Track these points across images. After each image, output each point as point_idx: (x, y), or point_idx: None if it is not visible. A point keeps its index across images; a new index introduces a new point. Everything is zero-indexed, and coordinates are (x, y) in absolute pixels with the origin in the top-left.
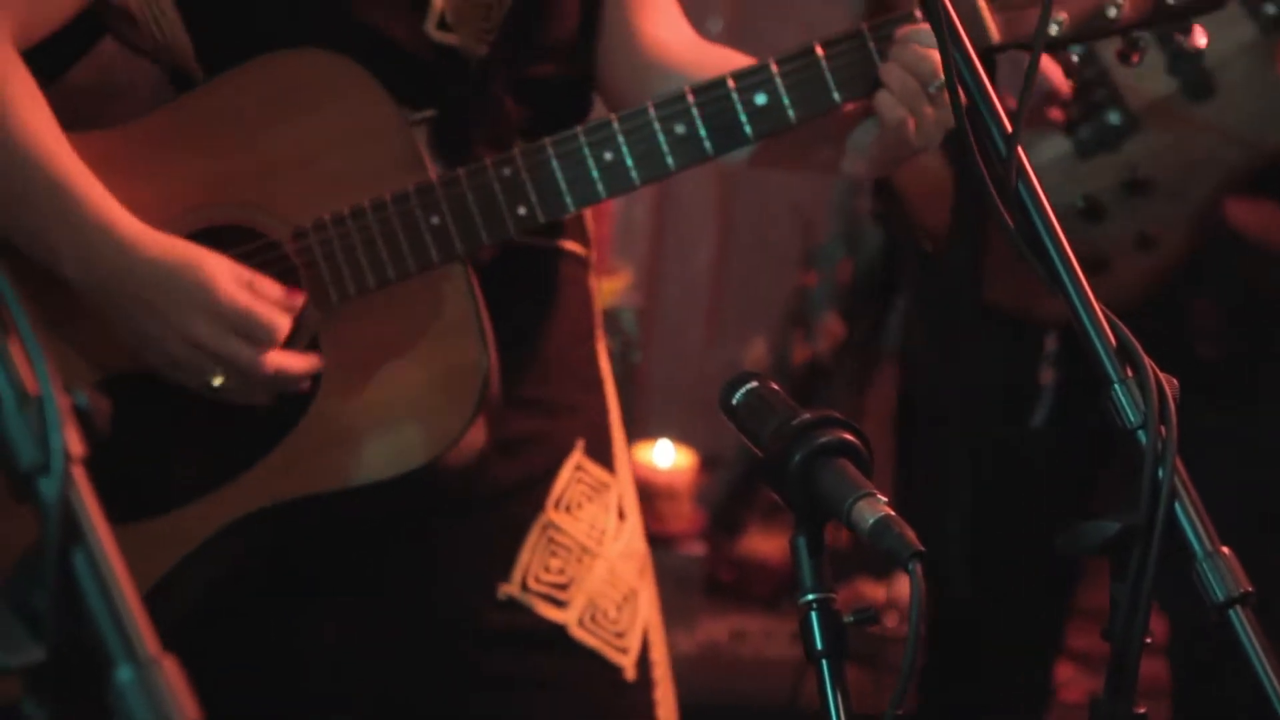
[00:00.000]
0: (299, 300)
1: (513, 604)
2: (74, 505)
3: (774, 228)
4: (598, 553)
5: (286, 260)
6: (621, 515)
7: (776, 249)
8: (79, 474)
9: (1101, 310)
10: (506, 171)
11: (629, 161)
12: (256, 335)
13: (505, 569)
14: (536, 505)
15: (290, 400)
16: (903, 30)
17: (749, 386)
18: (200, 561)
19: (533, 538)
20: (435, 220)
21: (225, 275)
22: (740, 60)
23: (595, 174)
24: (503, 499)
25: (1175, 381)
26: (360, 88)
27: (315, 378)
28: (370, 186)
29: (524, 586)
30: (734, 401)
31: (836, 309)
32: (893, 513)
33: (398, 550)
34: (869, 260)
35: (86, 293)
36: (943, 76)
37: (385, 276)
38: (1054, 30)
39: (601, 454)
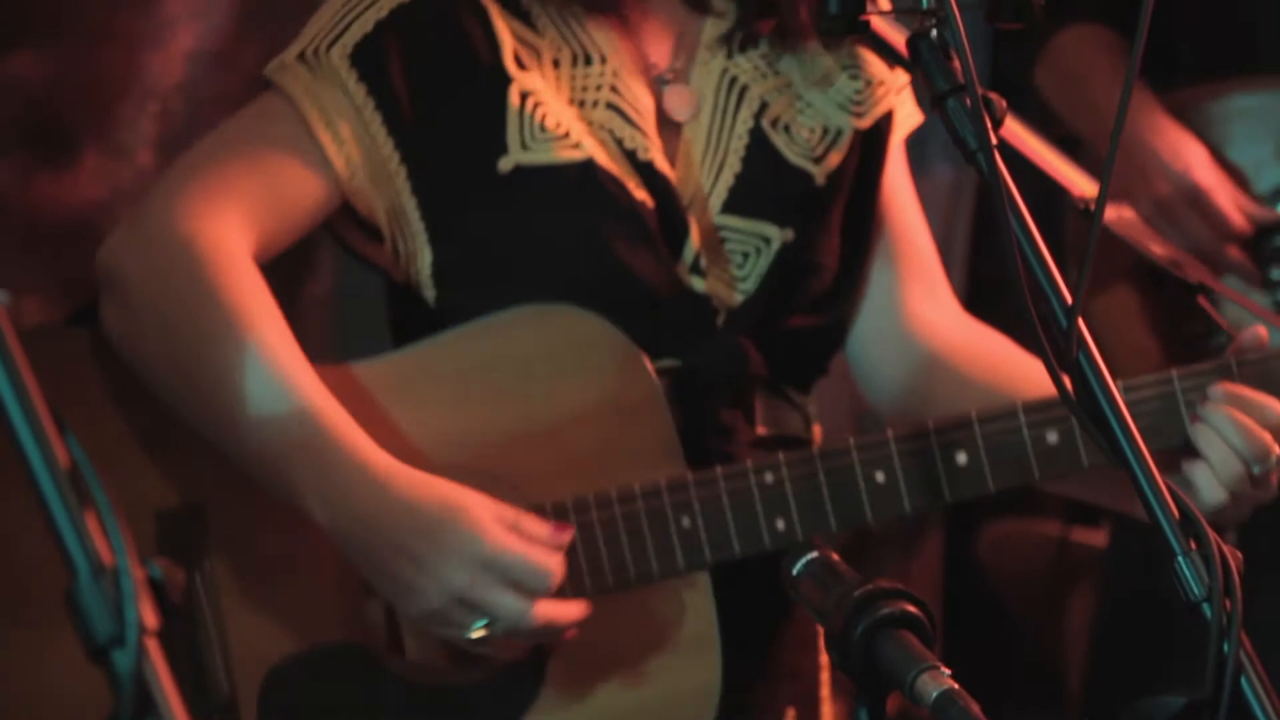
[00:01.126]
0: (568, 536)
1: None
2: (148, 678)
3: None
4: None
5: None
6: None
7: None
8: (153, 646)
9: (1164, 482)
10: (769, 478)
11: (902, 486)
12: (529, 584)
13: None
14: None
15: (510, 690)
16: (1220, 388)
17: (810, 557)
18: None
19: None
20: (686, 522)
21: (490, 519)
22: (1013, 350)
23: (864, 495)
24: None
25: (1239, 554)
26: (623, 359)
27: (540, 675)
28: (621, 470)
29: None
30: (795, 572)
31: None
32: (956, 685)
33: None
34: None
35: (335, 538)
36: (1276, 456)
37: (626, 578)
38: None
39: None
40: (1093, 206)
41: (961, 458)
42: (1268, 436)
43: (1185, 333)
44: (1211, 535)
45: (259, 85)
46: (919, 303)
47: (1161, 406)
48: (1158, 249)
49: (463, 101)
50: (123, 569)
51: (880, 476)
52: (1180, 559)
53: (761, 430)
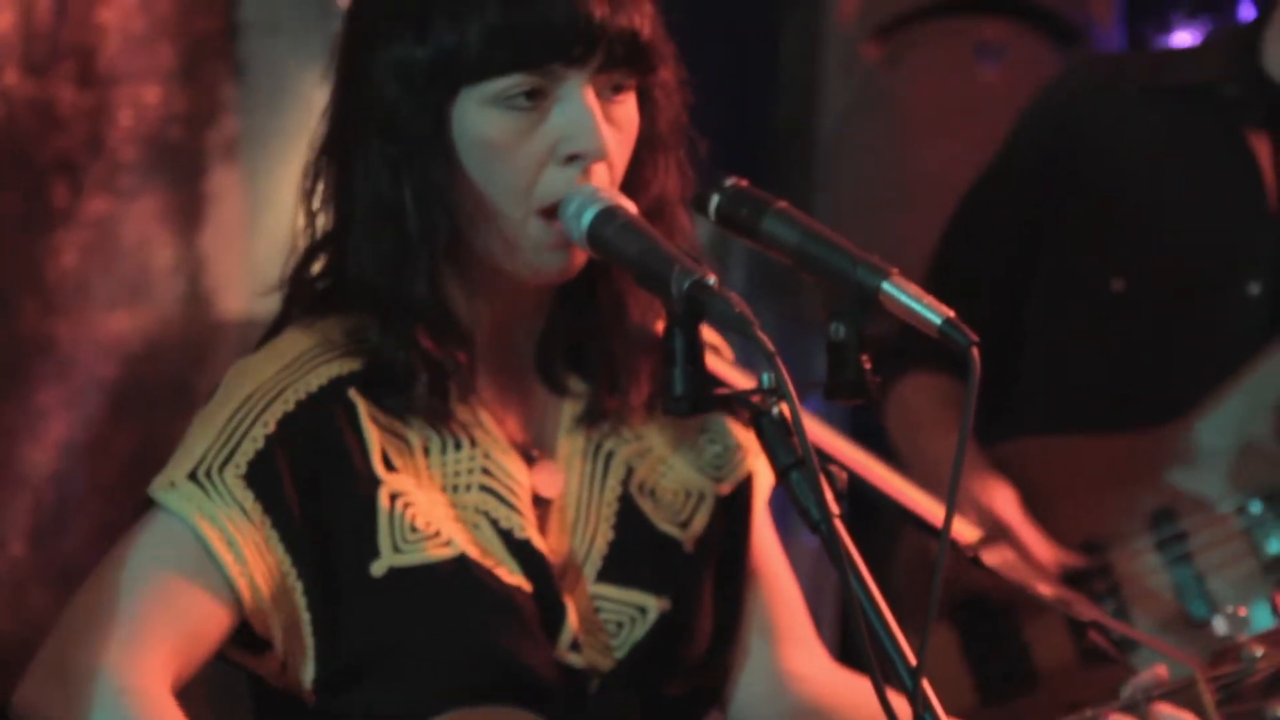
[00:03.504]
0: None
1: None
2: None
3: None
4: None
5: None
6: None
7: None
8: None
9: None
10: None
11: None
12: None
13: None
14: None
15: None
16: (1157, 708)
17: None
18: None
19: None
20: None
21: None
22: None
23: None
24: None
25: None
26: None
27: None
28: None
29: None
30: None
31: None
32: None
33: None
34: None
35: None
36: None
37: None
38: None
39: None
40: (975, 552)
41: None
42: None
43: (994, 670)
44: None
45: (133, 477)
46: (796, 661)
47: None
48: (1045, 589)
49: (341, 509)
50: None
51: None
52: None
53: None
